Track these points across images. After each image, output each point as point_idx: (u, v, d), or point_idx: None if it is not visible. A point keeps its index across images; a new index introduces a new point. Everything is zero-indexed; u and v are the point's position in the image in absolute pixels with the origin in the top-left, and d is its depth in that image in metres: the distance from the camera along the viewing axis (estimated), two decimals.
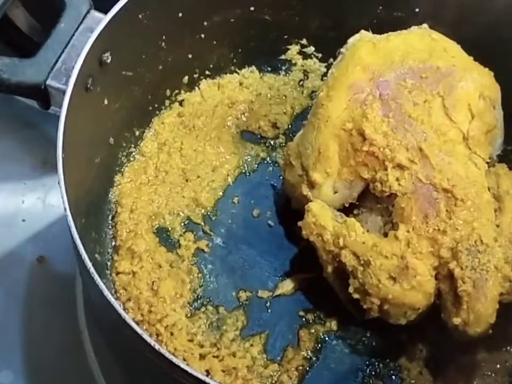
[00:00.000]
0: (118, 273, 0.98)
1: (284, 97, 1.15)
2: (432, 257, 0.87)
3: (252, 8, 1.10)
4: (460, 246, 0.86)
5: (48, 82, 0.90)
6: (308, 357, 0.95)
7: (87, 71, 0.90)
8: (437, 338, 0.94)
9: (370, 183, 0.92)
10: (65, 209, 0.82)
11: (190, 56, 1.10)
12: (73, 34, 0.91)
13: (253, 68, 1.16)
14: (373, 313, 0.90)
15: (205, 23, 1.08)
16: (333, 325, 0.97)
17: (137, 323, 0.78)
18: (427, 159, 0.89)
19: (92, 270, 0.79)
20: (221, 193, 1.07)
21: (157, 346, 0.75)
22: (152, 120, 1.11)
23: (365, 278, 0.88)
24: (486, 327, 0.86)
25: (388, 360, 0.95)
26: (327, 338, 0.97)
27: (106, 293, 0.77)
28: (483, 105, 0.95)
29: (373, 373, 0.95)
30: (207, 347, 0.94)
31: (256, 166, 1.10)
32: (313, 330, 0.97)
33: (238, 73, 1.16)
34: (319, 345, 0.96)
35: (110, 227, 1.02)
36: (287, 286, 1.00)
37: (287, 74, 1.17)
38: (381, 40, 0.98)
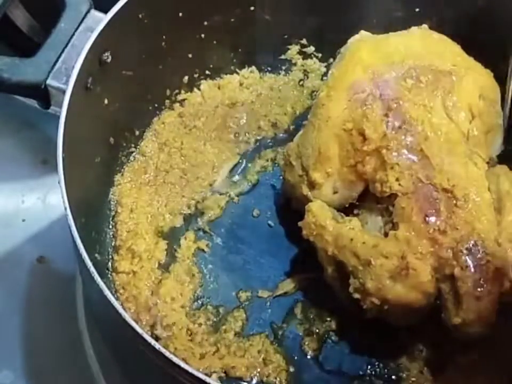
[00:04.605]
0: (118, 273, 0.98)
1: (284, 97, 1.15)
2: (432, 257, 0.87)
3: (252, 8, 1.10)
4: (460, 246, 0.86)
5: (48, 81, 0.90)
6: (308, 356, 0.95)
7: (87, 71, 0.90)
8: (437, 338, 0.94)
9: (371, 183, 0.92)
10: (65, 209, 0.82)
11: (190, 56, 1.10)
12: (73, 34, 0.92)
13: (253, 68, 1.16)
14: (373, 313, 0.90)
15: (205, 23, 1.08)
16: (333, 325, 0.97)
17: (137, 322, 0.78)
18: (427, 159, 0.90)
19: (92, 269, 0.79)
20: (221, 193, 1.07)
21: (157, 346, 0.75)
22: (152, 120, 1.11)
23: (365, 278, 0.87)
24: (486, 327, 0.86)
25: (388, 360, 0.95)
26: (327, 338, 0.97)
27: (107, 292, 0.77)
28: (483, 105, 0.96)
29: (373, 373, 0.95)
30: (207, 347, 0.94)
31: (257, 166, 1.10)
32: (313, 330, 0.97)
33: (238, 73, 1.16)
34: (319, 345, 0.96)
35: (110, 227, 1.02)
36: (287, 286, 1.00)
37: (287, 74, 1.17)
38: (381, 40, 0.99)
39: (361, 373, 0.95)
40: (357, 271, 0.88)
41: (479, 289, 0.85)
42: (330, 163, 0.94)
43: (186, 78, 1.12)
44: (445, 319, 0.88)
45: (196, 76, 1.13)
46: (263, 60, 1.16)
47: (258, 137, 1.12)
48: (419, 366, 0.95)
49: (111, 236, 1.02)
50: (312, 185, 0.95)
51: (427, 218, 0.87)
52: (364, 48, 0.97)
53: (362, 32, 1.01)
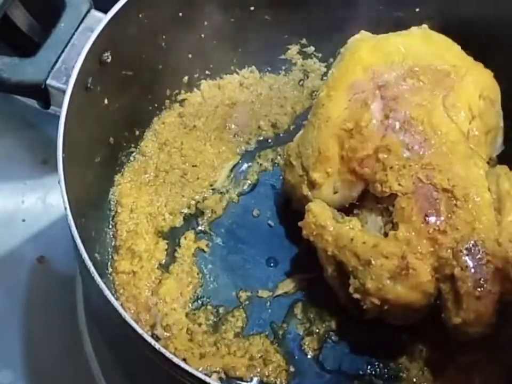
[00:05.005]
0: (118, 273, 0.98)
1: (284, 97, 1.15)
2: (432, 257, 0.87)
3: (252, 8, 1.10)
4: (460, 246, 0.86)
5: (48, 81, 0.90)
6: (308, 356, 0.95)
7: (87, 71, 0.90)
8: (437, 338, 0.94)
9: (370, 184, 0.92)
10: (65, 208, 0.82)
11: (190, 56, 1.10)
12: (73, 34, 0.92)
13: (253, 67, 1.16)
14: (373, 313, 0.90)
15: (205, 23, 1.08)
16: (333, 325, 0.97)
17: (137, 322, 0.78)
18: (427, 159, 0.89)
19: (92, 269, 0.79)
20: (221, 193, 1.07)
21: (157, 346, 0.75)
22: (152, 120, 1.11)
23: (365, 278, 0.87)
24: (486, 327, 0.86)
25: (388, 360, 0.95)
26: (327, 338, 0.97)
27: (107, 292, 0.78)
28: (483, 105, 0.96)
29: (373, 373, 0.95)
30: (207, 347, 0.94)
31: (257, 166, 1.10)
32: (313, 330, 0.97)
33: (238, 73, 1.16)
34: (319, 345, 0.96)
35: (110, 227, 1.02)
36: (287, 286, 1.00)
37: (287, 74, 1.17)
38: (381, 40, 0.99)
39: (361, 372, 0.95)
40: (357, 271, 0.88)
41: (479, 289, 0.85)
42: (330, 163, 0.94)
43: (186, 78, 1.12)
44: (445, 319, 0.88)
45: (196, 75, 1.13)
46: (263, 60, 1.16)
47: (258, 137, 1.12)
48: (419, 366, 0.95)
49: (111, 236, 1.02)
50: (312, 185, 0.95)
51: (427, 218, 0.87)
52: (364, 48, 0.97)
53: (362, 32, 1.01)
